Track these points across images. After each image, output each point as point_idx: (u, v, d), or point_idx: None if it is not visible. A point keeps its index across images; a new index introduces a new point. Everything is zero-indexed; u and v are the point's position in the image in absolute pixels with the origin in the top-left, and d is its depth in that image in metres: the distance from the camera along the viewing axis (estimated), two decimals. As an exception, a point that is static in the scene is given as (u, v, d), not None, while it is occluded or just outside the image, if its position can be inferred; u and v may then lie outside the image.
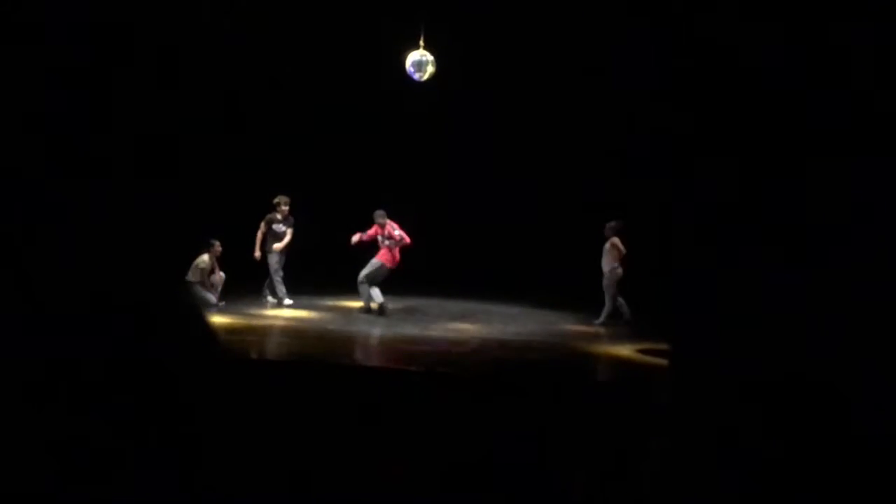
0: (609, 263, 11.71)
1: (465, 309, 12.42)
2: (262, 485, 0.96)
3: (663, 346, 10.17)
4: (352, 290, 12.33)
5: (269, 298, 12.13)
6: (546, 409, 6.15)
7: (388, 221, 11.85)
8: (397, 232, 11.75)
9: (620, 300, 11.84)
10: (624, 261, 11.66)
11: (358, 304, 12.11)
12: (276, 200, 12.05)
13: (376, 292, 11.66)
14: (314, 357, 8.72)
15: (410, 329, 10.76)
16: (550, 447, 4.81)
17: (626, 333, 11.14)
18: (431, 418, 5.28)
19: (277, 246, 11.95)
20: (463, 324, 11.38)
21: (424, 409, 5.72)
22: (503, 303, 12.89)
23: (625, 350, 10.09)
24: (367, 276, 11.71)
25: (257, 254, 11.95)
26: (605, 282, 11.77)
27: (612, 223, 11.80)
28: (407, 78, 11.64)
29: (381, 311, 11.61)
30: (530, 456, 4.68)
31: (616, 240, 11.70)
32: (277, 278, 12.06)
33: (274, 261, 12.02)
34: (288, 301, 12.06)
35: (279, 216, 12.03)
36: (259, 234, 11.97)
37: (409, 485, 3.71)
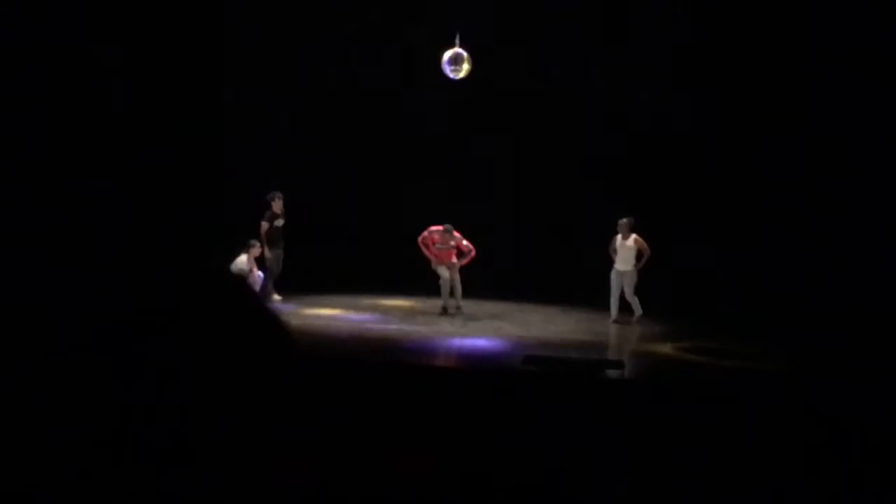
0: (630, 261, 11.31)
1: (502, 309, 12.33)
2: (277, 482, 0.94)
3: (702, 344, 10.06)
4: (388, 289, 12.36)
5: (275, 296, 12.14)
6: (588, 408, 6.08)
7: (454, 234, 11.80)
8: (464, 242, 11.73)
9: (617, 301, 11.59)
10: (647, 258, 11.27)
11: (397, 303, 12.27)
12: (269, 197, 11.97)
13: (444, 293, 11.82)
14: (346, 356, 8.71)
15: (450, 328, 10.74)
16: (592, 448, 4.74)
17: (665, 331, 11.01)
18: (463, 416, 5.22)
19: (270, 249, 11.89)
20: (501, 322, 11.31)
21: (455, 407, 5.66)
22: (539, 302, 12.76)
23: (665, 348, 9.98)
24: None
25: (268, 254, 11.83)
26: (625, 280, 11.35)
27: (626, 220, 11.31)
28: (443, 75, 11.62)
29: (443, 310, 11.78)
30: (569, 457, 4.60)
31: (638, 237, 11.30)
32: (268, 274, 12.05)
33: (274, 258, 11.94)
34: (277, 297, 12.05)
35: (277, 211, 11.99)
36: (265, 236, 11.87)
37: (433, 484, 3.66)
